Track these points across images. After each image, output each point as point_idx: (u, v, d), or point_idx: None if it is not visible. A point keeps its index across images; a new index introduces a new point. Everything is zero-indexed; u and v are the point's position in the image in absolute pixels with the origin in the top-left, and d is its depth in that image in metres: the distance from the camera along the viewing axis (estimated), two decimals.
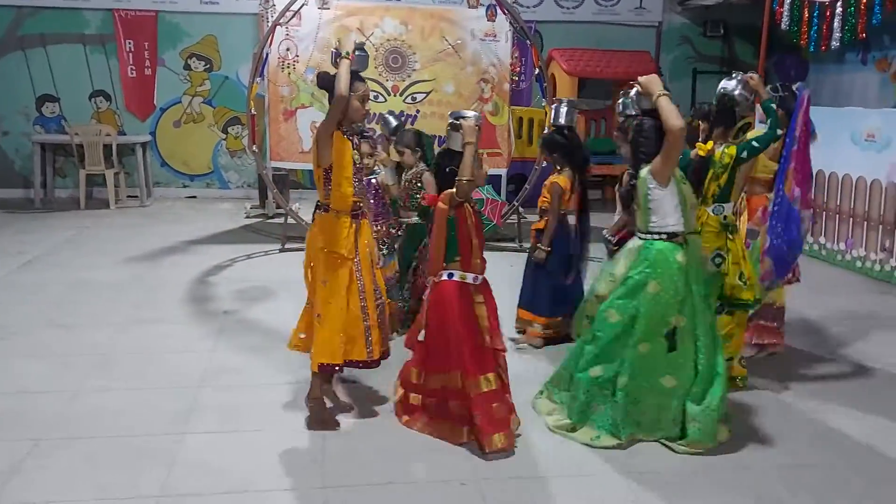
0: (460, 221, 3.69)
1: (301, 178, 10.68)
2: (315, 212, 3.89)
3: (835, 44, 8.15)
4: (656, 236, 3.67)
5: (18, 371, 4.49)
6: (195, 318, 5.56)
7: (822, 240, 7.75)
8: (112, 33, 10.24)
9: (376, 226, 4.71)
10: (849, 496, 3.34)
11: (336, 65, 3.80)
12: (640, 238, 3.75)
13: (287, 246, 7.80)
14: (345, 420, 3.92)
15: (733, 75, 4.31)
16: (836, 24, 8.02)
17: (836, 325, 5.63)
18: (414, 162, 5.07)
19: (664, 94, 3.61)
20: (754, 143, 4.10)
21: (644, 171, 3.66)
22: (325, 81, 3.75)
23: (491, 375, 3.65)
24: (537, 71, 7.96)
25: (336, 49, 4.24)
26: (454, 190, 3.64)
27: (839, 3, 7.92)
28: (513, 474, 3.44)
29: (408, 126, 6.22)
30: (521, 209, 8.11)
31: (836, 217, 7.54)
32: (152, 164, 10.63)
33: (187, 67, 10.58)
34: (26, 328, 5.22)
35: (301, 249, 7.53)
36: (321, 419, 3.86)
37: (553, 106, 5.15)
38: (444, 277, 3.72)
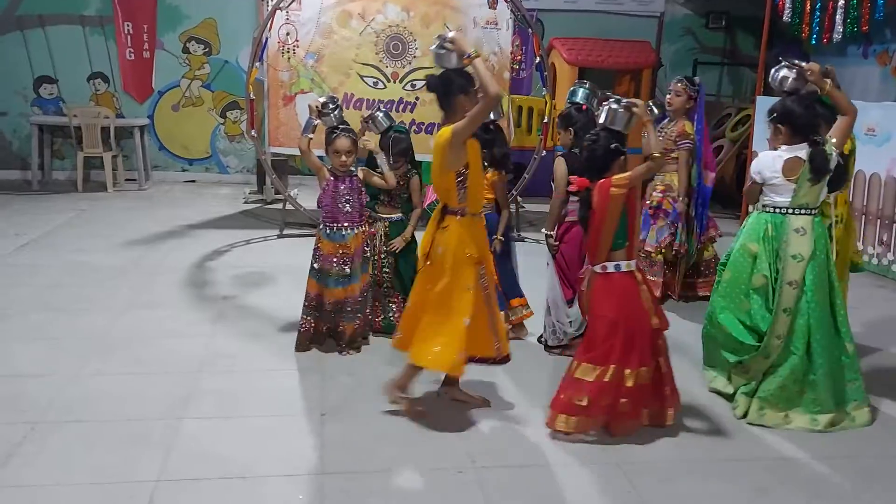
0: (633, 205, 3.62)
1: (299, 163, 10.66)
2: (444, 217, 3.69)
3: (837, 36, 8.11)
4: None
5: (14, 354, 4.49)
6: (193, 304, 5.56)
7: None
8: (111, 15, 10.15)
9: (354, 229, 4.57)
10: (844, 487, 3.36)
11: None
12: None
13: (286, 232, 7.79)
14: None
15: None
16: (839, 16, 7.99)
17: None
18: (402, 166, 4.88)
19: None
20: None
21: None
22: (443, 84, 3.67)
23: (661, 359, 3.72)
24: (538, 60, 7.93)
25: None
26: (637, 171, 3.54)
27: None
28: (510, 463, 3.45)
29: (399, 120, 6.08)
30: (519, 198, 8.09)
31: None
32: (150, 147, 10.58)
33: (186, 51, 10.51)
34: (22, 311, 5.21)
35: (300, 236, 7.59)
36: (415, 411, 3.80)
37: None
38: (612, 270, 3.63)
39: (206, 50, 10.55)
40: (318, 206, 4.58)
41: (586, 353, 3.66)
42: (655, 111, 5.44)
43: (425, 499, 3.17)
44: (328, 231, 4.54)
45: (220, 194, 9.95)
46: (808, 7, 8.34)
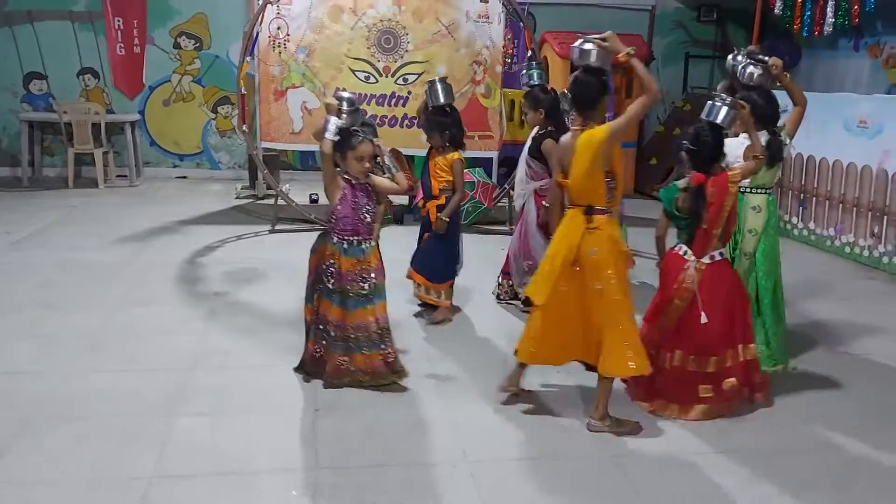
0: (735, 201, 3.80)
1: (291, 159, 10.64)
2: (591, 218, 3.61)
3: (828, 29, 8.14)
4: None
5: (6, 352, 4.47)
6: (186, 300, 5.54)
7: (811, 225, 7.79)
8: (100, 10, 10.10)
9: (371, 241, 4.09)
10: (832, 482, 3.37)
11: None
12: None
13: (277, 227, 7.77)
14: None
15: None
16: (830, 9, 8.01)
17: (819, 309, 5.67)
18: None
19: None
20: None
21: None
22: (596, 85, 3.59)
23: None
24: (530, 53, 7.92)
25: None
26: (747, 167, 3.78)
27: None
28: (502, 456, 3.46)
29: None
30: (511, 192, 8.08)
31: (827, 203, 7.57)
32: (141, 143, 10.54)
33: (177, 46, 10.47)
34: (15, 308, 5.19)
35: (292, 231, 7.58)
36: (628, 429, 3.72)
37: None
38: (718, 258, 3.84)
39: (197, 45, 10.51)
40: (332, 219, 3.98)
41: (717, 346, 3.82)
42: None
43: (419, 493, 3.17)
44: (346, 246, 3.96)
45: (212, 190, 9.93)
46: (800, 0, 8.36)
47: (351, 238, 3.97)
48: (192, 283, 5.94)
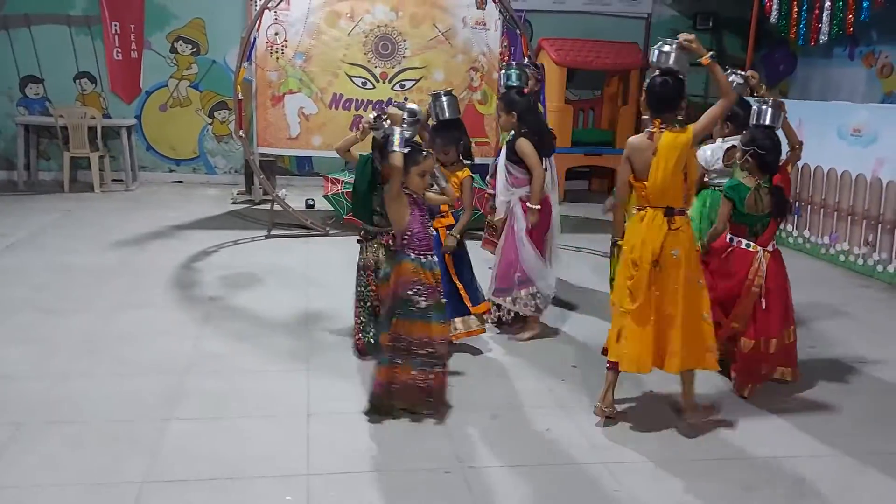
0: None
1: (288, 164, 10.63)
2: (673, 219, 3.66)
3: (823, 38, 8.17)
4: None
5: (1, 355, 4.46)
6: (181, 304, 5.53)
7: (806, 233, 7.81)
8: (97, 14, 10.09)
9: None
10: (830, 489, 3.37)
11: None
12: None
13: (273, 232, 7.77)
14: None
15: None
16: (825, 17, 8.05)
17: (814, 317, 5.68)
18: None
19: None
20: None
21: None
22: (679, 87, 3.68)
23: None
24: (526, 60, 7.94)
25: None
26: (787, 160, 4.29)
27: None
28: (497, 463, 3.45)
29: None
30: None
31: (822, 211, 7.59)
32: (138, 147, 10.53)
33: (174, 51, 10.47)
34: (9, 312, 5.17)
35: (288, 236, 7.57)
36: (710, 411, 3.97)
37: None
38: (773, 247, 4.22)
39: (194, 50, 10.51)
40: (406, 237, 3.79)
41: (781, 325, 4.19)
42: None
43: (413, 499, 3.17)
44: (423, 260, 3.82)
45: (208, 195, 9.92)
46: (795, 8, 8.40)
47: (427, 253, 3.84)
48: (188, 287, 5.93)
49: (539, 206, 4.88)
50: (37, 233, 7.46)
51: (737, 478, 3.41)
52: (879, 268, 6.85)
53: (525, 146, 4.83)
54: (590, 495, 3.23)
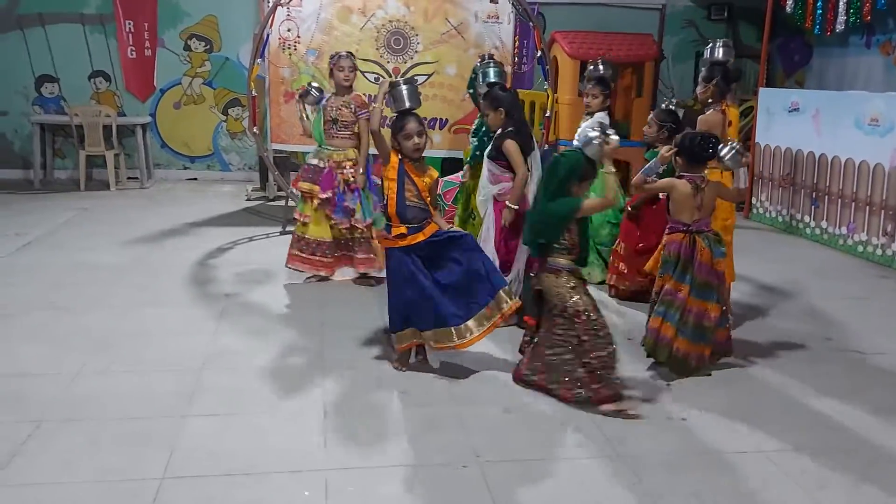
0: None
1: (301, 159, 10.63)
2: None
3: (839, 27, 8.09)
4: None
5: (18, 353, 4.49)
6: (197, 301, 5.55)
7: (823, 223, 7.74)
8: (111, 13, 10.13)
9: None
10: (847, 480, 3.35)
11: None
12: None
13: (288, 229, 7.77)
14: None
15: None
16: (841, 6, 7.96)
17: (832, 307, 5.63)
18: None
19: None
20: None
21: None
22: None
23: None
24: (539, 53, 7.90)
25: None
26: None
27: None
28: (514, 457, 3.44)
29: None
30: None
31: (839, 201, 7.52)
32: (152, 145, 10.58)
33: (187, 48, 10.51)
34: (26, 310, 5.21)
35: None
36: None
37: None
38: None
39: (208, 47, 10.54)
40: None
41: None
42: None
43: (430, 494, 3.16)
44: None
45: (223, 192, 9.95)
46: None
47: None
48: (203, 284, 5.95)
49: (517, 206, 4.86)
50: (53, 231, 7.51)
51: (754, 471, 3.38)
52: None
53: (511, 146, 4.85)
54: (608, 490, 3.22)
